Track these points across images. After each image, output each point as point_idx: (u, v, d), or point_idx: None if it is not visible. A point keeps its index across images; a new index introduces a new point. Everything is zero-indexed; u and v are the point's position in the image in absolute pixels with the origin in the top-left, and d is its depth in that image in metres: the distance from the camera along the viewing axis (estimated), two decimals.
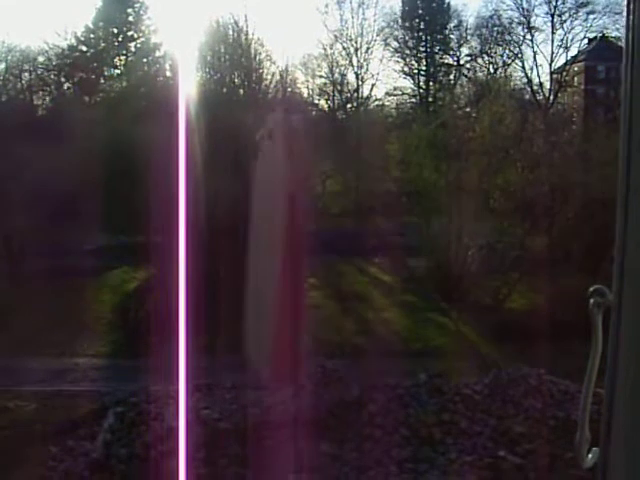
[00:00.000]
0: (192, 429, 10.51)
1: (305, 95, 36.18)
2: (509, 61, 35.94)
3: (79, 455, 11.47)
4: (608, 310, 1.58)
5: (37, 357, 18.03)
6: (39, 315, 19.12)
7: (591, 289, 1.60)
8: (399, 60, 37.70)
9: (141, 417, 11.77)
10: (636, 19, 1.53)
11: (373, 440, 11.18)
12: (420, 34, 38.44)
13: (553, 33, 34.30)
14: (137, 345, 17.34)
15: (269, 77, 32.04)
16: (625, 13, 1.58)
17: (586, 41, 35.69)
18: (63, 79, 35.11)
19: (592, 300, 1.59)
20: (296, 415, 11.33)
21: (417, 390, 12.29)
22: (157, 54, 36.14)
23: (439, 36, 38.48)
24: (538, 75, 35.00)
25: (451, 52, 38.28)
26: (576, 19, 34.34)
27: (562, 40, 34.53)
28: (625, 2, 1.59)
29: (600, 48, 34.13)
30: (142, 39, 36.70)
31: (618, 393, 1.54)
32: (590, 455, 1.70)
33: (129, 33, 36.67)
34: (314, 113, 35.63)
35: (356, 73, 35.51)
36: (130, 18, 36.76)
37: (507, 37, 35.62)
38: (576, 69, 35.98)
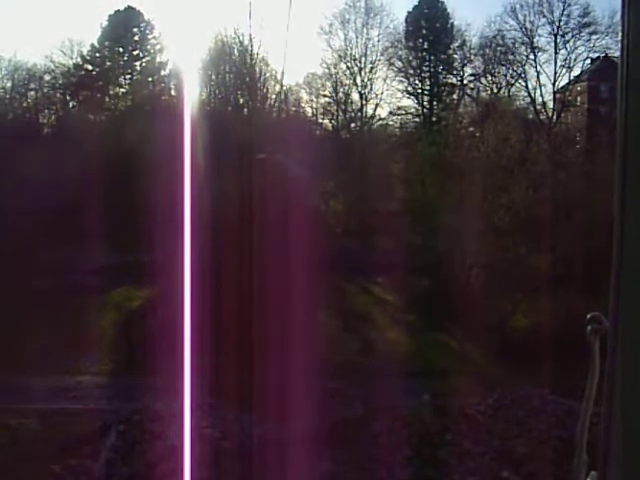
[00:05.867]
0: (194, 448, 10.47)
1: (309, 114, 36.33)
2: (512, 81, 36.04)
3: (81, 474, 11.44)
4: (605, 336, 1.60)
5: (40, 375, 17.98)
6: (43, 333, 19.10)
7: (588, 316, 1.62)
8: (403, 80, 37.84)
9: (143, 435, 11.75)
10: (631, 37, 1.55)
11: (376, 460, 11.13)
12: (424, 54, 38.57)
13: (556, 53, 34.44)
14: (139, 364, 17.31)
15: (273, 96, 32.25)
16: (620, 33, 1.61)
17: (589, 61, 35.85)
18: (68, 97, 35.36)
19: (589, 327, 1.61)
20: (298, 434, 11.30)
21: (420, 410, 12.26)
22: (162, 73, 36.41)
23: (443, 56, 38.60)
24: (541, 95, 35.10)
25: (455, 72, 38.39)
26: (579, 39, 34.51)
27: (565, 60, 34.68)
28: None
29: (603, 68, 34.15)
30: (147, 58, 36.98)
31: (615, 419, 1.55)
32: (589, 479, 1.70)
33: (134, 52, 36.95)
34: (318, 132, 35.71)
35: (360, 92, 35.65)
36: (136, 37, 37.05)
37: (510, 57, 35.75)
38: (579, 89, 36.06)
